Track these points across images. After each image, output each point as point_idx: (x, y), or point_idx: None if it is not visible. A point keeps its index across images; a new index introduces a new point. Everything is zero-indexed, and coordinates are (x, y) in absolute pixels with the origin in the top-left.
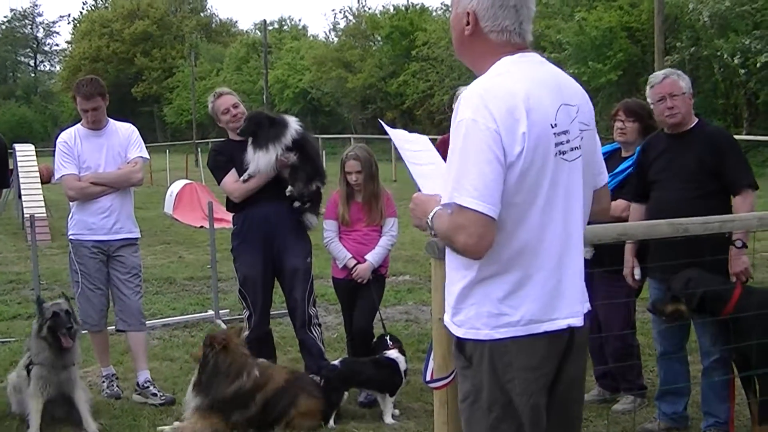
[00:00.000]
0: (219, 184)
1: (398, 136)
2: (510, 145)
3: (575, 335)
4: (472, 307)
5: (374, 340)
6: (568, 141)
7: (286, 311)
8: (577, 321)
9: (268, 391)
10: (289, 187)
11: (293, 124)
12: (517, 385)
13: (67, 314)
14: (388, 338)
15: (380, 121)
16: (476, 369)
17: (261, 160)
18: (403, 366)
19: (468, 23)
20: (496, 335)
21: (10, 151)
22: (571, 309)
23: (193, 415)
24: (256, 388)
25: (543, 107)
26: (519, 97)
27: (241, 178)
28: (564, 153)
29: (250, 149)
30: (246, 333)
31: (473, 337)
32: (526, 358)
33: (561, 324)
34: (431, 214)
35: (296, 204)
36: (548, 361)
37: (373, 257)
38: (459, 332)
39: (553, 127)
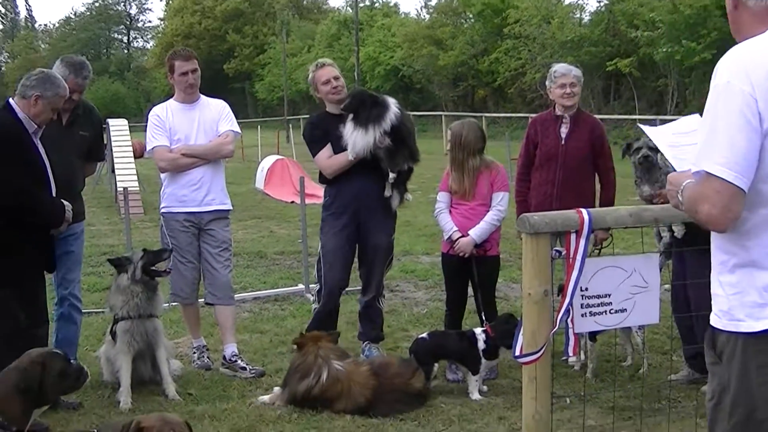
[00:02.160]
0: (314, 157)
1: (660, 136)
2: (766, 112)
3: None
4: (736, 296)
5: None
6: None
7: (358, 288)
8: None
9: (350, 409)
10: (391, 175)
11: (393, 106)
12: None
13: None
14: (484, 321)
15: (639, 125)
16: (725, 366)
17: (359, 142)
18: (481, 344)
19: None
20: (759, 327)
21: (104, 126)
22: None
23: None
24: (331, 398)
25: None
26: None
27: (343, 154)
28: None
29: (349, 125)
30: (315, 307)
31: (733, 329)
32: None
33: None
34: (681, 187)
35: (391, 177)
36: None
37: (475, 232)
38: (718, 323)
39: None
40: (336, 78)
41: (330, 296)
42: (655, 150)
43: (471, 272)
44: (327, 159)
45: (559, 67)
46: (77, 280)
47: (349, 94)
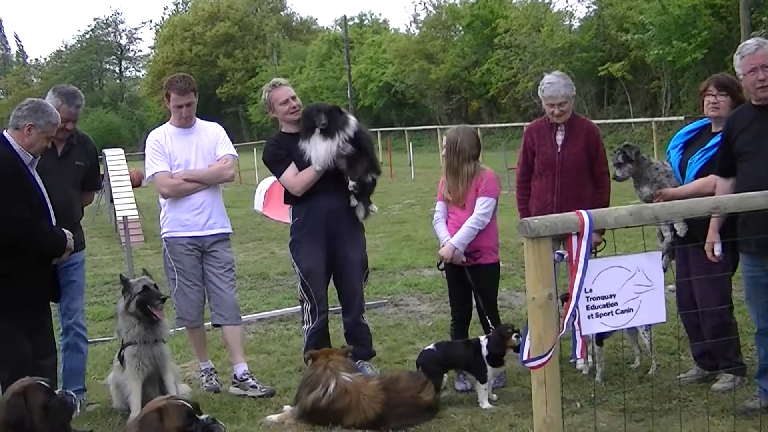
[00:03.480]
0: (279, 177)
1: None
2: None
3: None
4: None
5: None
6: None
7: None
8: None
9: (359, 423)
10: (351, 183)
11: (351, 116)
12: None
13: (155, 287)
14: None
15: None
16: None
17: (322, 151)
18: (485, 351)
19: None
20: None
21: (99, 156)
22: None
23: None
24: (339, 411)
25: None
26: None
27: (309, 169)
28: None
29: (317, 138)
30: (308, 327)
31: None
32: None
33: None
34: None
35: (351, 185)
36: None
37: (455, 238)
38: None
39: None
40: (293, 98)
41: (323, 313)
42: (631, 160)
43: (469, 283)
44: (294, 177)
45: (546, 87)
46: (81, 309)
47: (315, 108)
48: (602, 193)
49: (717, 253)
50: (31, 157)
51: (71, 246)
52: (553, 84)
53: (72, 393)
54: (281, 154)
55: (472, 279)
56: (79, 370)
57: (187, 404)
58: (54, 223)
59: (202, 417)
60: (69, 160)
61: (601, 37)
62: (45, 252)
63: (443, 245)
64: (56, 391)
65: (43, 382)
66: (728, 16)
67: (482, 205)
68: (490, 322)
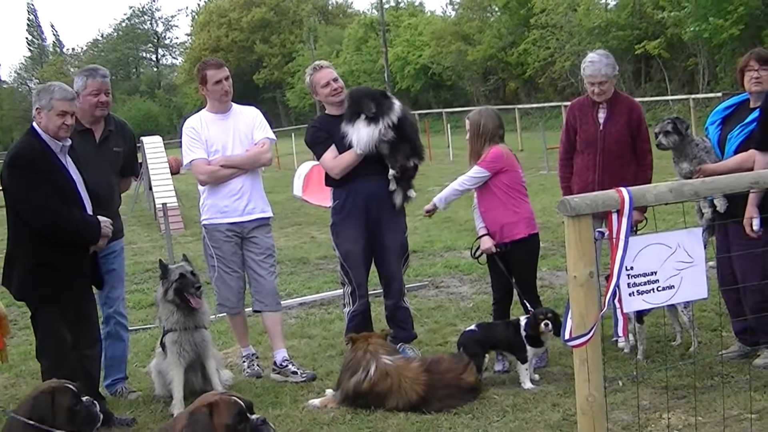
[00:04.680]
0: (318, 158)
1: None
2: None
3: None
4: None
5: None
6: None
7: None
8: None
9: (402, 405)
10: (391, 171)
11: (396, 100)
12: None
13: (192, 275)
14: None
15: None
16: None
17: (364, 135)
18: (523, 331)
19: None
20: None
21: (137, 143)
22: None
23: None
24: (381, 394)
25: None
26: None
27: (350, 152)
28: None
29: (361, 123)
30: (349, 309)
31: None
32: None
33: None
34: None
35: (391, 173)
36: None
37: (437, 196)
38: None
39: None
40: (335, 80)
41: (363, 296)
42: (679, 132)
43: (506, 262)
44: (333, 159)
45: (587, 65)
46: (121, 297)
47: (358, 94)
48: (645, 170)
49: (756, 227)
50: (60, 144)
51: (108, 233)
52: (594, 63)
53: (97, 403)
54: (321, 135)
55: (507, 261)
56: (121, 358)
57: (240, 402)
58: (90, 211)
59: (253, 417)
60: (107, 146)
61: (637, 15)
62: (78, 241)
63: (479, 236)
64: (83, 398)
65: (72, 387)
66: None
67: (472, 171)
68: (528, 305)
